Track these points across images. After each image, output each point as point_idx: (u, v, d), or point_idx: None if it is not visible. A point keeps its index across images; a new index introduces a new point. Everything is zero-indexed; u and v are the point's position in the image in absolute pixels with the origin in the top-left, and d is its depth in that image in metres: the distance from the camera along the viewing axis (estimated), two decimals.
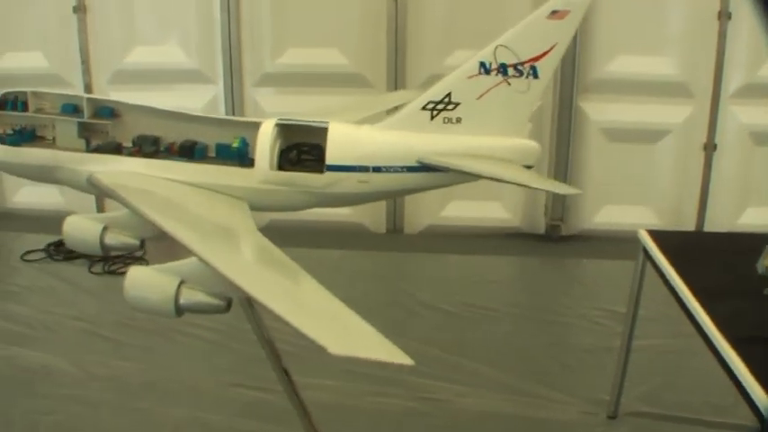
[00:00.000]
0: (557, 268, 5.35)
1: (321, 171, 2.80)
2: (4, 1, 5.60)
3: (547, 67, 2.83)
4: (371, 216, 5.76)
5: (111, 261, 4.96)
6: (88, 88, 5.62)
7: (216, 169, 2.79)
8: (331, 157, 2.79)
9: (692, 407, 3.54)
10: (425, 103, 2.86)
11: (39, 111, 2.93)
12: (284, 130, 2.87)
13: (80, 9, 5.54)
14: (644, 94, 5.45)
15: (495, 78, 2.81)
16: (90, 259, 4.97)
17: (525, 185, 2.99)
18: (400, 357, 1.91)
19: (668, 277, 2.87)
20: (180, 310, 2.31)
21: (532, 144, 2.97)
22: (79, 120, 2.87)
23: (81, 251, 2.83)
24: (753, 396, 2.08)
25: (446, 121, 2.86)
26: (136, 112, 2.93)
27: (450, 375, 3.73)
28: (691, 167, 5.62)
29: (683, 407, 3.55)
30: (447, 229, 5.74)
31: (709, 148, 5.56)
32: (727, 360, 2.31)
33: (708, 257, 3.02)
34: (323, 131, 2.83)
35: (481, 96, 2.83)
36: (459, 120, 2.86)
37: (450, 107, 2.84)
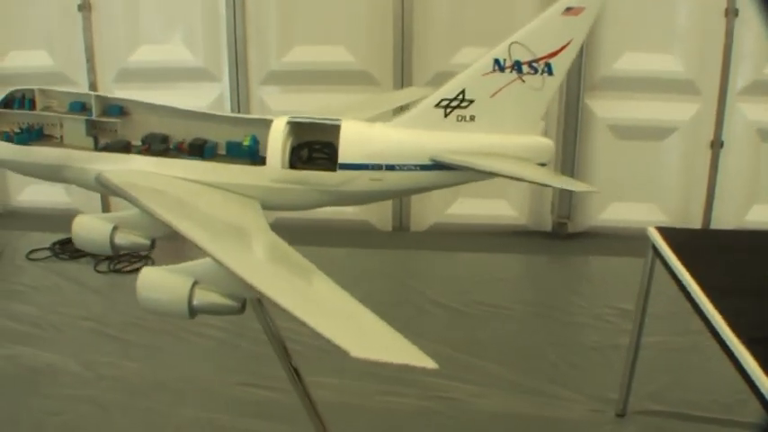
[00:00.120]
0: (564, 266, 5.34)
1: (333, 169, 2.78)
2: (10, 0, 5.59)
3: (562, 64, 2.81)
4: (378, 214, 5.75)
5: (117, 260, 4.95)
6: (93, 87, 5.61)
7: (226, 168, 2.76)
8: (344, 155, 2.76)
9: (701, 405, 3.53)
10: (439, 100, 2.84)
11: (46, 109, 2.90)
12: (295, 127, 2.85)
13: (85, 7, 5.52)
14: (651, 92, 5.43)
15: (509, 75, 2.79)
16: (96, 258, 4.96)
17: (540, 183, 2.97)
18: (423, 360, 1.88)
19: (678, 275, 2.85)
20: (193, 312, 2.28)
21: (546, 141, 2.95)
22: (87, 118, 2.85)
23: (90, 251, 2.81)
24: (765, 394, 2.07)
25: (460, 118, 2.84)
26: (145, 111, 2.90)
27: (460, 374, 3.72)
28: (698, 165, 5.60)
29: (691, 405, 3.54)
30: (453, 227, 5.72)
31: (717, 145, 5.54)
32: (739, 358, 2.30)
33: (718, 255, 3.02)
34: (335, 129, 2.81)
35: (495, 94, 2.81)
36: (472, 117, 2.84)
37: (463, 105, 2.82)
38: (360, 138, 2.82)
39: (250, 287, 2.07)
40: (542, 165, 2.91)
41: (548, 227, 5.78)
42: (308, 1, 5.43)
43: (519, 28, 5.45)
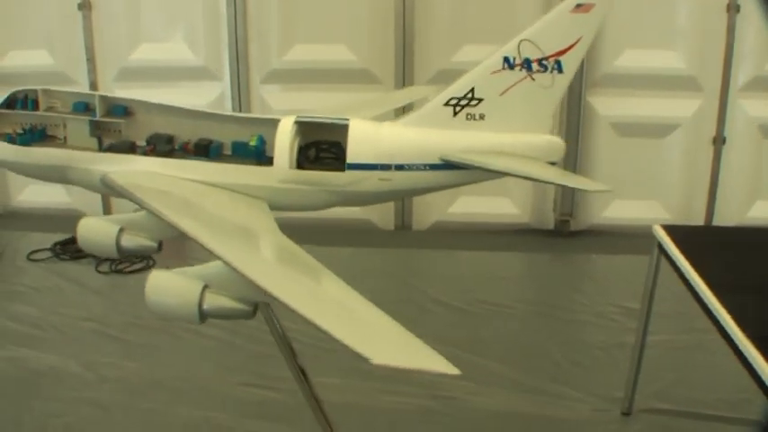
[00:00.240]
0: (567, 264, 5.32)
1: (342, 169, 2.75)
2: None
3: (571, 62, 2.78)
4: (379, 213, 5.73)
5: (118, 260, 4.93)
6: (93, 86, 5.59)
7: (233, 168, 2.73)
8: (352, 155, 2.73)
9: (707, 403, 3.51)
10: (448, 99, 2.81)
11: (49, 109, 2.87)
12: (303, 127, 2.82)
13: (85, 6, 5.50)
14: (653, 89, 5.42)
15: (519, 73, 2.77)
16: (97, 258, 4.94)
17: (552, 183, 2.95)
18: (445, 366, 1.85)
19: (684, 273, 2.84)
20: (203, 316, 2.24)
21: (556, 140, 2.92)
22: (91, 118, 2.82)
23: (96, 254, 2.78)
24: None
25: (469, 117, 2.81)
26: (149, 111, 2.87)
27: (463, 373, 3.69)
28: (700, 161, 5.60)
29: (697, 403, 3.52)
30: (455, 226, 5.71)
31: (718, 141, 5.53)
32: (747, 355, 2.29)
33: (723, 252, 3.00)
34: (343, 129, 2.78)
35: (505, 92, 2.79)
36: (482, 116, 2.81)
37: (473, 103, 2.80)
38: (368, 137, 2.79)
39: (265, 292, 2.03)
40: (552, 163, 2.89)
41: (550, 225, 5.76)
42: None
43: (520, 25, 5.42)
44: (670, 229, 3.13)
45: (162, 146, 2.79)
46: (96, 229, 2.55)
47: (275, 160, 2.72)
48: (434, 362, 1.87)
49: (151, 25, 5.56)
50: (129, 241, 2.52)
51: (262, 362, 3.69)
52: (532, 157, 2.85)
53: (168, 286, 2.27)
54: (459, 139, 2.79)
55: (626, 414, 3.45)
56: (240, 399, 3.51)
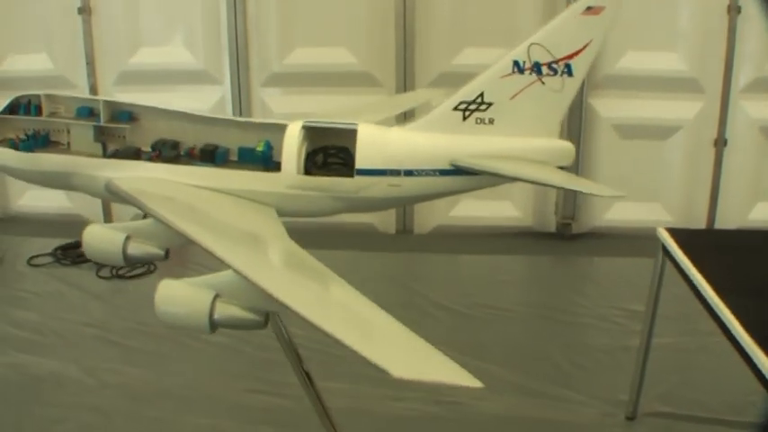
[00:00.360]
0: (569, 267, 5.31)
1: (351, 175, 2.71)
2: (8, 2, 5.56)
3: (582, 65, 2.76)
4: (381, 216, 5.71)
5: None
6: (93, 90, 5.57)
7: (240, 174, 2.69)
8: (361, 160, 2.70)
9: (711, 406, 3.51)
10: (457, 103, 2.78)
11: (53, 115, 2.84)
12: (310, 132, 2.78)
13: (85, 10, 5.48)
14: (654, 90, 5.42)
15: (528, 77, 2.74)
16: (98, 263, 4.92)
17: (563, 188, 2.93)
18: (467, 379, 1.82)
19: (690, 276, 2.83)
20: (214, 326, 2.21)
21: (567, 144, 2.90)
22: (96, 124, 2.78)
23: (102, 262, 2.75)
24: None
25: (479, 121, 2.79)
26: (154, 116, 2.84)
27: None
28: (701, 163, 5.59)
29: (701, 406, 3.51)
30: (457, 229, 5.70)
31: (720, 143, 5.52)
32: (754, 358, 2.28)
33: (728, 255, 2.99)
34: (352, 134, 2.74)
35: (515, 96, 2.76)
36: (491, 120, 2.79)
37: (482, 107, 2.77)
38: (377, 142, 2.76)
39: (281, 304, 2.00)
40: (562, 168, 2.87)
41: (552, 228, 5.75)
42: (309, 2, 5.40)
43: (521, 28, 5.47)
44: (674, 232, 3.12)
45: (167, 152, 2.75)
46: (102, 237, 2.50)
47: (283, 166, 2.69)
48: (456, 374, 1.84)
49: (151, 29, 5.54)
50: (136, 249, 2.48)
51: (267, 368, 3.67)
52: (543, 162, 2.83)
53: (178, 296, 2.23)
54: (469, 144, 2.77)
55: (630, 418, 3.44)
56: (246, 406, 3.49)
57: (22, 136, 2.79)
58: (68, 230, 5.35)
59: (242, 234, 2.49)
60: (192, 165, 2.72)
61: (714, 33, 5.30)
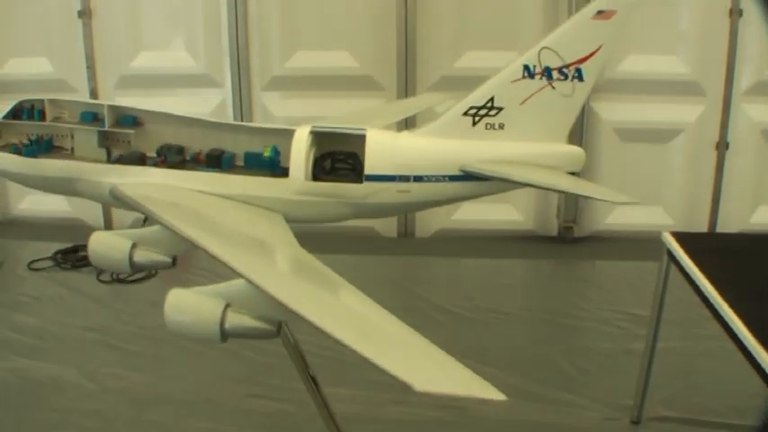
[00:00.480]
0: (571, 270, 5.29)
1: (359, 181, 2.70)
2: (8, 6, 5.54)
3: (592, 70, 2.75)
4: (382, 220, 5.69)
5: None
6: (94, 94, 5.56)
7: (247, 180, 2.68)
8: (370, 166, 2.69)
9: (716, 410, 3.50)
10: (467, 108, 2.78)
11: (56, 120, 2.82)
12: (318, 137, 2.77)
13: (85, 13, 5.47)
14: (656, 94, 5.42)
15: (539, 82, 2.73)
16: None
17: (575, 194, 2.91)
18: (490, 391, 1.81)
19: (696, 280, 2.82)
20: (225, 336, 2.18)
21: (577, 150, 2.89)
22: (100, 129, 2.77)
23: (108, 269, 2.74)
24: None
25: (488, 127, 2.77)
26: (159, 120, 2.82)
27: None
28: (703, 166, 5.59)
29: (706, 410, 3.50)
30: (458, 233, 5.68)
31: (722, 146, 5.52)
32: (761, 362, 2.28)
33: (733, 259, 2.98)
34: (360, 139, 2.73)
35: (525, 101, 2.75)
36: (501, 125, 2.77)
37: (492, 112, 2.76)
38: (386, 148, 2.74)
39: (297, 316, 1.97)
40: (573, 173, 2.85)
41: (554, 231, 5.74)
42: (310, 5, 5.39)
43: (522, 31, 5.46)
44: (679, 237, 3.11)
45: (173, 157, 2.73)
46: (108, 244, 2.49)
47: (291, 172, 2.67)
48: (479, 387, 1.83)
49: (151, 32, 5.53)
50: (143, 257, 2.46)
51: (269, 372, 3.65)
52: (553, 167, 2.81)
53: (188, 305, 2.20)
54: (479, 150, 2.75)
55: (635, 423, 3.43)
56: (248, 411, 3.47)
57: (26, 141, 2.78)
58: (68, 234, 5.38)
59: (252, 241, 2.45)
60: (197, 170, 2.70)
61: (715, 36, 5.30)
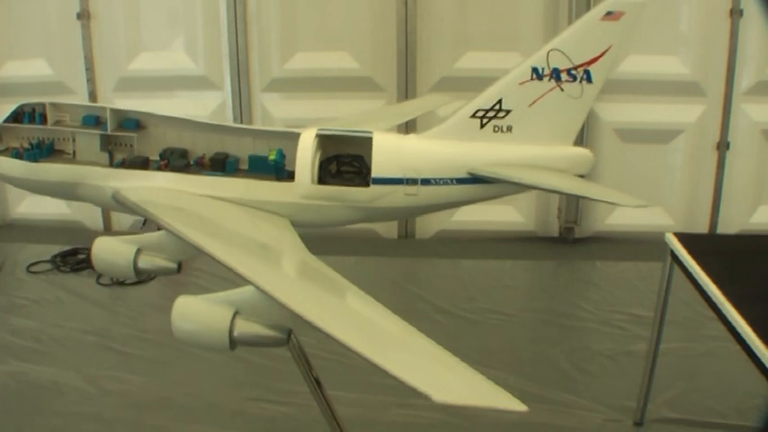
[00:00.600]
0: (572, 271, 5.28)
1: (366, 184, 2.68)
2: (6, 8, 5.52)
3: (601, 71, 2.73)
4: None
5: None
6: (93, 96, 5.54)
7: (252, 183, 2.65)
8: (377, 169, 2.67)
9: (719, 411, 3.49)
10: (474, 110, 2.76)
11: (57, 123, 2.79)
12: (324, 140, 2.74)
13: (84, 15, 5.45)
14: (656, 94, 5.42)
15: (547, 84, 2.71)
16: None
17: (583, 197, 2.88)
18: (510, 402, 1.79)
19: (700, 282, 2.81)
20: (234, 344, 2.16)
21: (586, 152, 2.87)
22: (102, 132, 2.74)
23: (111, 275, 2.70)
24: None
25: (496, 129, 2.76)
26: (162, 124, 2.79)
27: None
28: (703, 167, 5.58)
29: (709, 412, 3.49)
30: (459, 234, 5.66)
31: (722, 146, 5.52)
32: (766, 364, 2.27)
33: (737, 260, 2.98)
34: (367, 142, 2.71)
35: (533, 103, 2.73)
36: (509, 128, 2.75)
37: (500, 115, 2.74)
38: (393, 150, 2.72)
39: (312, 326, 1.94)
40: (581, 176, 2.83)
41: (555, 232, 5.73)
42: (310, 7, 5.37)
43: (522, 32, 5.44)
44: (682, 238, 3.09)
45: (176, 160, 2.70)
46: (112, 250, 2.46)
47: (297, 175, 2.64)
48: (498, 397, 1.81)
49: (150, 34, 5.51)
50: (147, 263, 2.44)
51: (271, 376, 3.64)
52: (561, 170, 2.79)
53: (196, 313, 2.18)
54: (487, 152, 2.73)
55: (638, 424, 3.41)
56: (250, 414, 3.45)
57: (27, 145, 2.75)
58: (67, 237, 5.36)
59: (259, 247, 2.42)
60: (201, 174, 2.67)
61: (716, 36, 5.29)
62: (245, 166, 2.76)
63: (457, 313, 4.48)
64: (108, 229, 5.81)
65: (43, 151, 2.75)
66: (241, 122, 5.40)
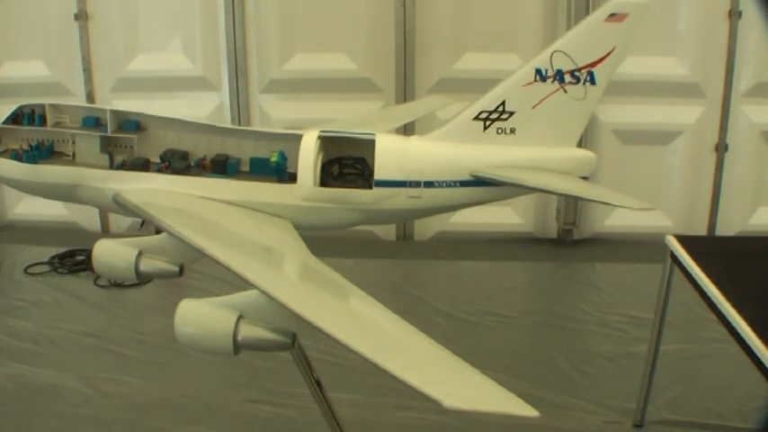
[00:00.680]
0: (571, 273, 5.28)
1: (369, 186, 2.66)
2: (3, 8, 5.50)
3: (605, 73, 2.72)
4: None
5: None
6: (90, 97, 5.52)
7: (254, 186, 2.63)
8: (380, 171, 2.65)
9: (718, 413, 3.48)
10: (478, 112, 2.74)
11: (57, 125, 2.77)
12: (326, 142, 2.73)
13: (81, 16, 5.43)
14: (655, 95, 5.41)
15: (551, 86, 2.70)
16: (95, 271, 4.85)
17: (587, 199, 2.87)
18: (521, 407, 1.77)
19: (701, 283, 2.81)
20: (238, 348, 2.14)
21: (589, 154, 2.86)
22: (102, 134, 2.71)
23: (112, 278, 2.68)
24: None
25: (500, 131, 2.74)
26: (163, 125, 2.77)
27: None
28: (702, 168, 5.58)
29: (708, 413, 3.49)
30: (457, 236, 5.65)
31: (721, 148, 5.52)
32: None
33: (737, 262, 2.98)
34: (369, 144, 2.69)
35: (536, 105, 2.72)
36: (513, 130, 2.74)
37: (503, 117, 2.73)
38: (396, 152, 2.70)
39: (321, 331, 1.91)
40: (584, 178, 2.83)
41: (553, 234, 5.72)
42: (309, 8, 5.36)
43: (521, 33, 5.43)
44: (682, 239, 3.09)
45: (177, 162, 2.68)
46: (113, 253, 2.43)
47: (299, 177, 2.62)
48: (510, 403, 1.79)
49: (148, 35, 5.49)
50: (149, 266, 2.41)
51: (270, 377, 3.63)
52: (565, 172, 2.78)
53: (200, 317, 2.16)
54: (491, 155, 2.72)
55: (638, 426, 3.41)
56: (248, 416, 3.44)
57: (26, 147, 2.72)
58: (65, 239, 5.35)
59: (262, 250, 2.40)
60: (202, 176, 2.65)
61: (715, 38, 5.29)
62: (246, 167, 2.73)
63: (456, 315, 4.47)
64: (105, 231, 5.79)
65: (43, 153, 2.73)
66: (239, 124, 5.39)
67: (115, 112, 2.76)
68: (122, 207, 2.57)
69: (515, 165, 2.71)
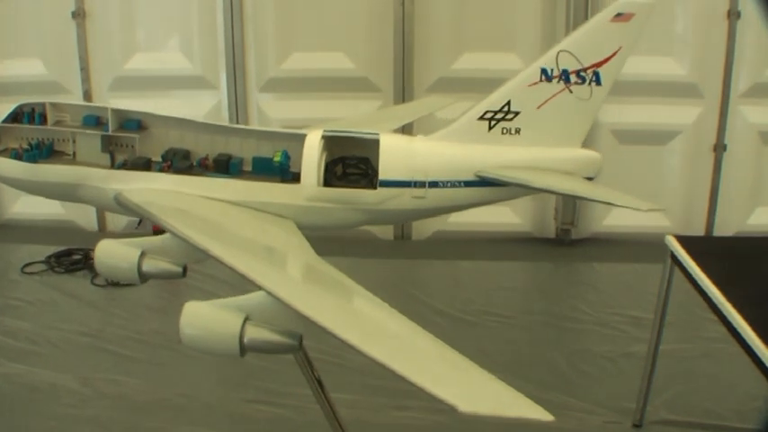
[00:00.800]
0: (569, 273, 5.28)
1: (373, 187, 2.65)
2: (1, 7, 5.47)
3: (610, 73, 2.72)
4: None
5: None
6: (88, 95, 5.50)
7: (257, 186, 2.61)
8: (384, 171, 2.64)
9: (717, 413, 3.48)
10: (483, 112, 2.74)
11: (57, 123, 2.75)
12: (329, 142, 2.71)
13: (79, 15, 5.41)
14: (653, 96, 5.41)
15: (556, 86, 2.70)
16: (92, 270, 4.84)
17: (592, 200, 2.87)
18: (536, 411, 1.76)
19: (701, 284, 2.81)
20: (244, 350, 2.12)
21: (594, 155, 2.86)
22: (103, 133, 2.69)
23: (115, 279, 2.66)
24: None
25: (505, 131, 2.74)
26: (164, 124, 2.75)
27: None
28: (700, 168, 5.58)
29: (707, 413, 3.49)
30: (455, 235, 5.64)
31: (719, 148, 5.52)
32: None
33: (737, 262, 2.98)
34: (374, 144, 2.68)
35: (542, 105, 2.72)
36: (518, 130, 2.74)
37: (509, 117, 2.72)
38: (400, 152, 2.69)
39: (332, 335, 1.90)
40: (589, 179, 2.82)
41: (551, 233, 5.72)
42: (307, 7, 5.35)
43: (520, 33, 5.42)
44: (682, 240, 3.09)
45: (179, 162, 2.66)
46: (116, 253, 2.41)
47: (303, 177, 2.61)
48: (523, 406, 1.78)
49: (146, 34, 5.48)
50: (152, 266, 2.39)
51: (268, 377, 3.61)
52: (569, 173, 2.77)
53: (206, 318, 2.14)
54: (496, 155, 2.71)
55: (637, 426, 3.41)
56: (246, 416, 3.42)
57: (26, 146, 2.70)
58: (62, 238, 5.33)
59: (267, 250, 2.39)
60: (205, 176, 2.63)
61: (713, 38, 5.29)
62: (248, 167, 2.72)
63: (454, 315, 4.46)
64: (102, 230, 5.77)
65: (43, 152, 2.71)
66: (237, 123, 5.37)
67: (116, 111, 2.73)
68: (124, 207, 2.55)
69: (520, 165, 2.69)
